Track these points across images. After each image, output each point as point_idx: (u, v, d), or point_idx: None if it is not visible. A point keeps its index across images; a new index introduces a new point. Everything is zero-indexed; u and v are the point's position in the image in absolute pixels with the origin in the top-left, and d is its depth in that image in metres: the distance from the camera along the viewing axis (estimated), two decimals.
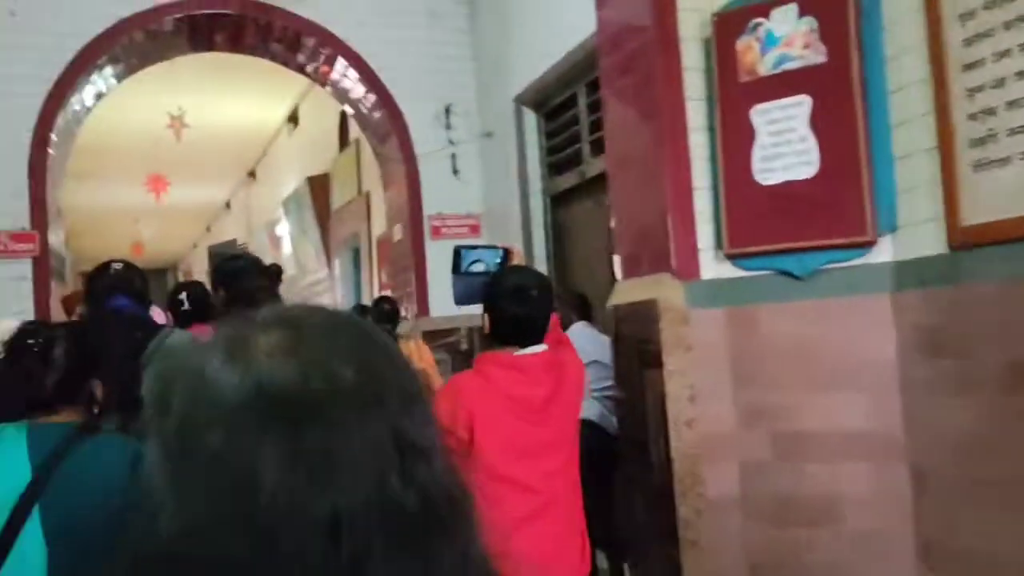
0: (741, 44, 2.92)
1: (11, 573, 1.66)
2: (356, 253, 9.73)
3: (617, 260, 3.32)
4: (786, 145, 2.84)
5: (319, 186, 10.40)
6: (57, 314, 5.25)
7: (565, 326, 3.27)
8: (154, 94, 9.77)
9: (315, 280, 11.05)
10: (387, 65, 5.93)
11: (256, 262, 3.26)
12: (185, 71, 9.43)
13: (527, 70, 5.29)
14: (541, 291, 2.29)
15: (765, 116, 2.87)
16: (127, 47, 5.61)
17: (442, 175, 6.05)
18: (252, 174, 15.71)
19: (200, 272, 20.35)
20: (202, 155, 13.43)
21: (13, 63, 5.22)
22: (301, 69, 6.31)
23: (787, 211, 2.83)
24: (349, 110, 6.60)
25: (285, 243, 12.81)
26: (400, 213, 6.28)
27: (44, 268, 5.28)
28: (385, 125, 6.15)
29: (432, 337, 5.92)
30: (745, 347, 2.88)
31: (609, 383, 3.48)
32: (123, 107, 11.41)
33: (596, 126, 4.62)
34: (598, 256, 4.68)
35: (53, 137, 5.41)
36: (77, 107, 5.76)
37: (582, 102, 5.02)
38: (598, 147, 4.65)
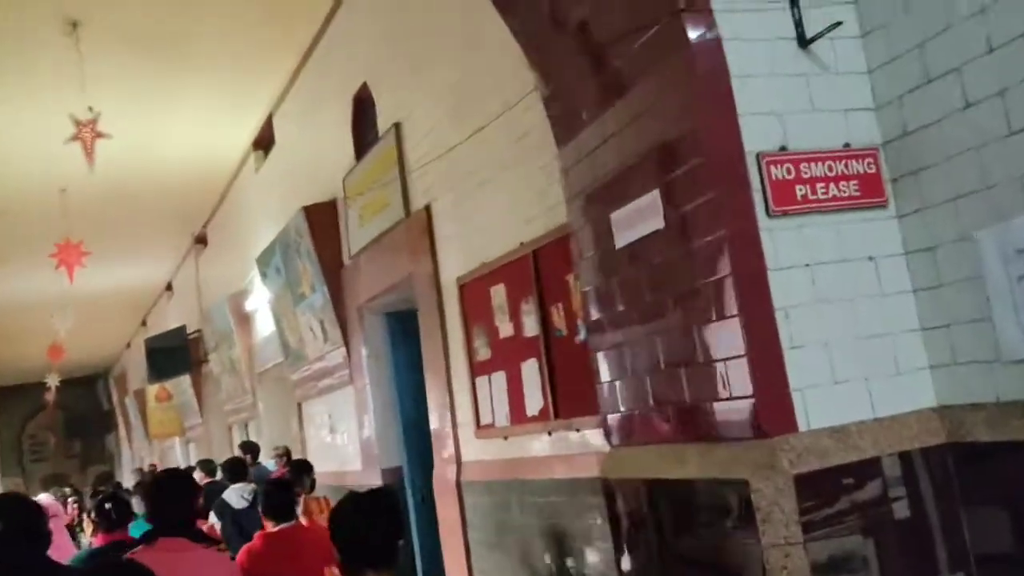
0: None
1: None
2: (401, 318, 5.85)
3: None
4: None
5: (322, 220, 6.57)
6: None
7: None
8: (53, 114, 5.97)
9: (321, 369, 7.05)
10: None
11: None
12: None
13: None
14: None
15: None
16: None
17: (776, 59, 2.34)
18: (202, 240, 11.81)
19: (138, 376, 16.06)
20: (127, 209, 9.52)
21: None
22: None
23: None
24: None
25: (262, 320, 8.82)
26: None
27: None
28: None
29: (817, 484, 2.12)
30: None
31: None
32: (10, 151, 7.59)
33: None
34: None
35: None
36: None
37: None
38: None
